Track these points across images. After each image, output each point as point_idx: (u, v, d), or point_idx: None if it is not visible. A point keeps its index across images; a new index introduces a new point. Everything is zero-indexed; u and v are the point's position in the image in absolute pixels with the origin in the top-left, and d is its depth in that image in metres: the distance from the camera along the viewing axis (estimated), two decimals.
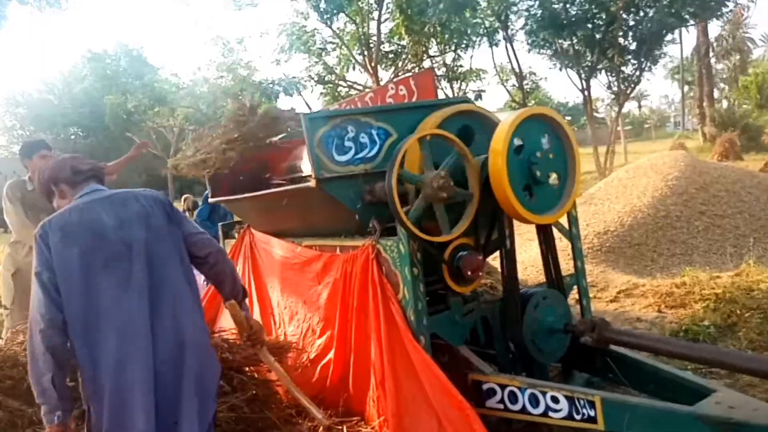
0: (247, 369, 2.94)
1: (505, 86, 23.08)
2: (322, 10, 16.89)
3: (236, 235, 4.43)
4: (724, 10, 17.40)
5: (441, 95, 19.07)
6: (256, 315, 3.74)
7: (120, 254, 2.08)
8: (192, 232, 2.30)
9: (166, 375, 2.03)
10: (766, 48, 46.84)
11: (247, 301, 2.42)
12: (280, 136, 5.36)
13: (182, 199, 10.30)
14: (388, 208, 2.79)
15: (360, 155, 3.01)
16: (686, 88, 45.36)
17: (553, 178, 3.07)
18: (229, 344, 2.93)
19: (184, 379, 2.06)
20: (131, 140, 32.85)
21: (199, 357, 2.13)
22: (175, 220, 2.25)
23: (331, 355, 3.07)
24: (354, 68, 19.04)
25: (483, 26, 19.28)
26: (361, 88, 18.94)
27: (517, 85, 21.78)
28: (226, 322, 3.81)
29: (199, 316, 2.25)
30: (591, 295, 5.17)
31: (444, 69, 20.19)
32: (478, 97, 20.20)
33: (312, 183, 2.95)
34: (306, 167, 3.74)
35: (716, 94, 38.73)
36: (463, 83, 21.07)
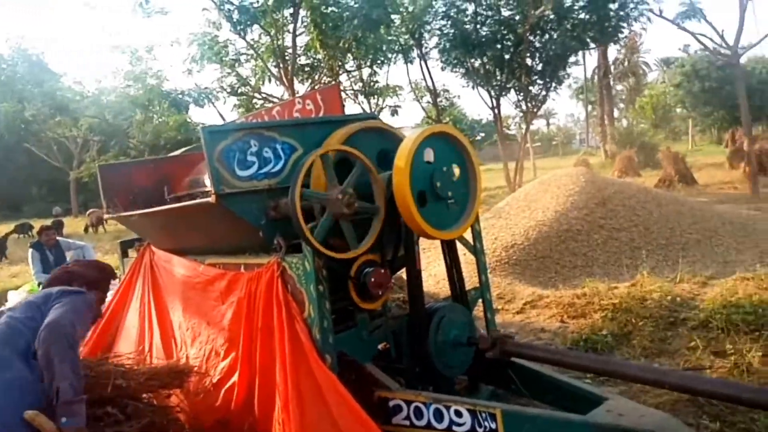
0: (144, 396, 2.76)
1: (420, 103, 23.60)
2: (235, 20, 16.57)
3: (135, 253, 4.20)
4: (620, 35, 18.74)
5: (358, 110, 19.25)
6: (156, 338, 3.54)
7: None
8: (51, 313, 2.23)
9: None
10: (659, 72, 50.96)
11: (75, 407, 2.04)
12: (183, 149, 5.19)
13: (87, 213, 9.72)
14: (293, 224, 2.73)
15: (264, 170, 2.95)
16: (590, 107, 48.38)
17: (455, 194, 3.11)
18: (124, 371, 2.75)
19: None
20: (30, 151, 30.73)
21: None
22: (50, 307, 2.27)
23: (235, 377, 2.95)
24: (270, 80, 18.83)
25: (398, 43, 19.65)
26: (277, 100, 18.72)
27: (431, 102, 22.31)
28: (123, 347, 3.60)
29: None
30: (499, 307, 5.35)
31: (360, 84, 20.39)
32: (394, 113, 20.55)
33: (212, 198, 2.85)
34: (209, 182, 3.61)
35: (616, 113, 41.65)
36: (380, 99, 21.33)
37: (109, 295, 5.01)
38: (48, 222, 8.84)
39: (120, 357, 2.97)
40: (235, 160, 2.87)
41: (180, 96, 16.91)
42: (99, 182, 4.11)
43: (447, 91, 24.87)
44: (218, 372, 3.06)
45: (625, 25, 18.07)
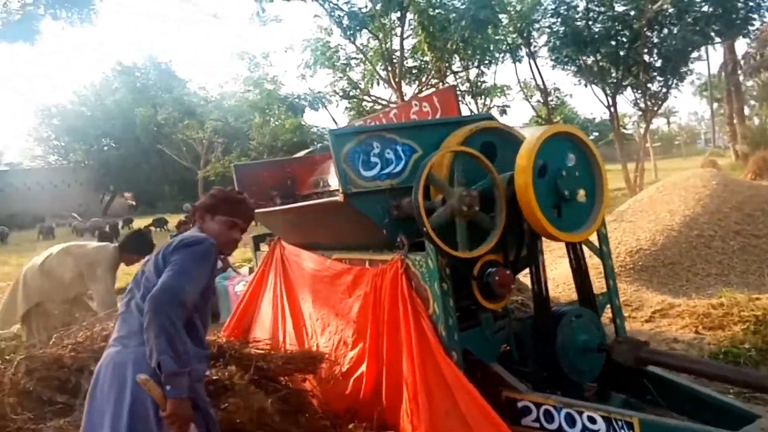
0: (281, 378, 2.94)
1: (529, 102, 23.05)
2: (345, 26, 17.03)
3: (267, 247, 4.47)
4: (750, 28, 17.19)
5: (465, 111, 19.12)
6: (289, 326, 3.75)
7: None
8: (160, 280, 2.24)
9: None
10: None
11: (178, 379, 2.07)
12: (306, 151, 5.44)
13: None
14: (415, 223, 2.79)
15: (386, 171, 3.03)
16: (715, 105, 44.65)
17: (581, 195, 3.02)
18: (263, 354, 2.95)
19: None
20: (162, 152, 33.49)
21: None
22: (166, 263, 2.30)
23: (363, 368, 3.06)
24: (378, 83, 19.15)
25: (506, 42, 19.31)
26: (385, 102, 19.04)
27: (542, 101, 21.72)
28: (259, 333, 3.85)
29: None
30: (625, 314, 5.07)
31: (468, 84, 20.23)
32: (503, 112, 20.19)
33: (340, 197, 2.97)
34: (333, 181, 3.77)
35: (747, 111, 38.04)
36: (488, 99, 21.07)
37: (242, 285, 5.39)
38: (181, 217, 9.60)
39: (258, 342, 3.17)
40: (359, 161, 2.97)
41: (296, 100, 17.64)
42: (234, 180, 4.42)
43: (558, 89, 24.11)
44: (347, 361, 3.19)
45: (755, 17, 16.57)
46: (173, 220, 9.68)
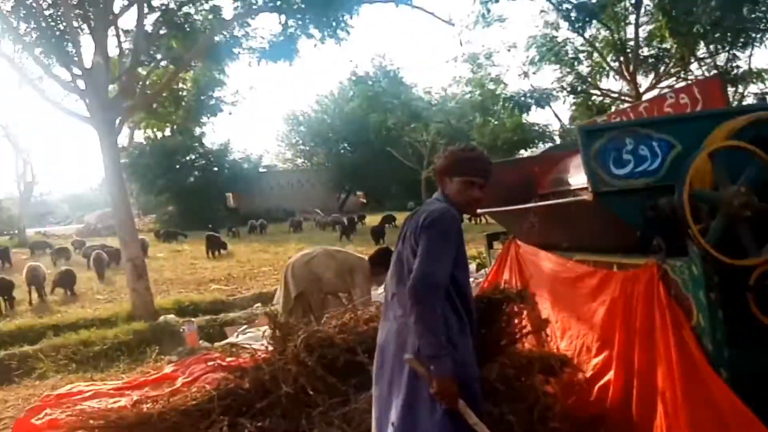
0: (522, 378, 2.96)
1: None
2: (573, 18, 16.37)
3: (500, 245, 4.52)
4: None
5: None
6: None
7: None
8: (415, 261, 2.33)
9: None
10: None
11: (437, 361, 2.20)
12: (545, 149, 5.37)
13: None
14: (673, 225, 2.60)
15: (640, 168, 2.85)
16: None
17: None
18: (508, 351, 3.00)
19: None
20: (390, 154, 36.04)
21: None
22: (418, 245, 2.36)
23: (609, 376, 2.93)
24: (608, 76, 18.12)
25: (765, 21, 16.67)
26: (616, 95, 17.90)
27: None
28: None
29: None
30: None
31: (715, 72, 17.96)
32: (762, 101, 17.56)
33: (589, 197, 2.87)
34: (574, 180, 3.67)
35: None
36: (740, 86, 18.44)
37: (471, 280, 5.53)
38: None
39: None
40: (610, 159, 2.84)
41: (522, 98, 17.53)
42: None
43: None
44: (590, 368, 3.09)
45: None
46: (400, 217, 10.36)
